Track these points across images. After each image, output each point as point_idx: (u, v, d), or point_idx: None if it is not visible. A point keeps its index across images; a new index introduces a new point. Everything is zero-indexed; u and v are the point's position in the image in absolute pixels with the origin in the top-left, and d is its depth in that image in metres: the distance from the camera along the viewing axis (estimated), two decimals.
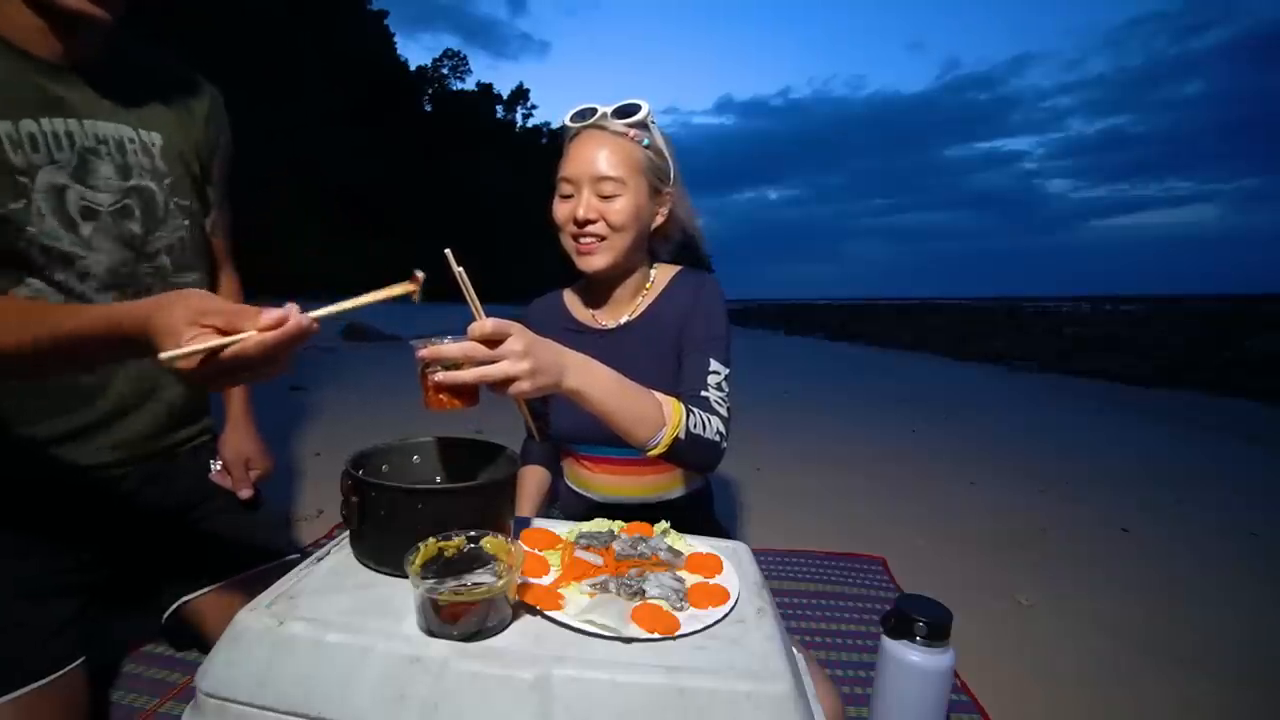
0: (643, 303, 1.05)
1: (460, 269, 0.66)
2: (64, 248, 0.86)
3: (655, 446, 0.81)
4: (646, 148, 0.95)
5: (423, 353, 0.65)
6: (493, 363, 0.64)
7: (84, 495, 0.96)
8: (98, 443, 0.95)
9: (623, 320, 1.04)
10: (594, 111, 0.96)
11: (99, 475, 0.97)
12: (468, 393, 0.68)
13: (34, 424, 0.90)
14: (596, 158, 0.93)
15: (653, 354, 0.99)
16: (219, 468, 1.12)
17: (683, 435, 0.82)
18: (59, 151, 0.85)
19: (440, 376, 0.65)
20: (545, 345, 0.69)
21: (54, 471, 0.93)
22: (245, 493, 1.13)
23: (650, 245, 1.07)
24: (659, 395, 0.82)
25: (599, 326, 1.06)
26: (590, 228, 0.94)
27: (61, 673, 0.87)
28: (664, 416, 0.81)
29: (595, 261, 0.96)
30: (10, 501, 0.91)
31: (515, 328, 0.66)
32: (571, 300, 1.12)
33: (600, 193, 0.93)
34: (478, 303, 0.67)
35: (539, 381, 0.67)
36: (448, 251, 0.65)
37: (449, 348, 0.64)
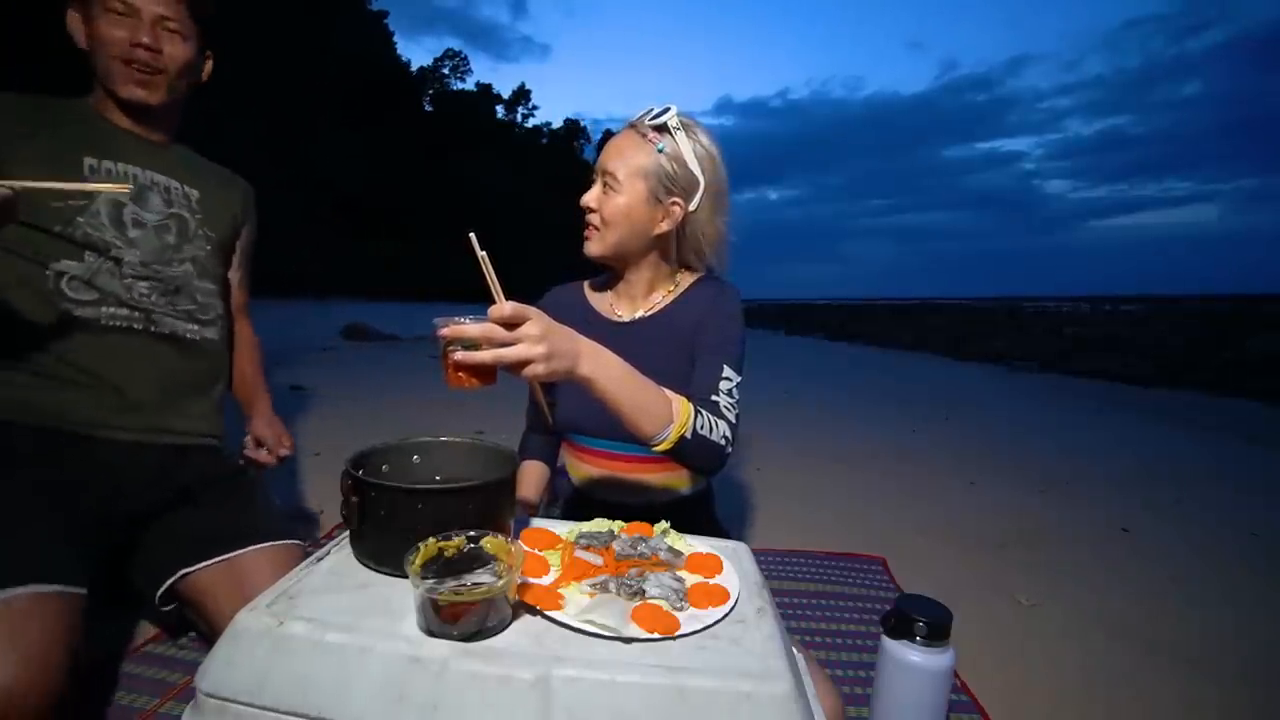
0: (661, 302, 1.06)
1: (483, 252, 0.68)
2: (105, 238, 1.10)
3: (661, 442, 0.81)
4: (660, 153, 0.95)
5: (444, 331, 0.68)
6: (510, 345, 0.66)
7: (102, 465, 1.06)
8: (118, 422, 1.10)
9: (638, 315, 1.06)
10: (650, 113, 0.99)
11: (120, 447, 1.10)
12: (485, 373, 0.70)
13: (63, 406, 1.06)
14: (611, 152, 0.98)
15: (664, 351, 1.00)
16: (251, 446, 1.31)
17: (689, 434, 0.82)
18: (124, 181, 1.13)
19: (460, 356, 0.67)
20: (561, 331, 0.70)
21: (80, 442, 1.07)
22: (284, 451, 1.32)
23: (680, 254, 1.05)
24: (669, 393, 0.83)
25: (614, 318, 1.07)
26: (590, 216, 1.00)
27: (63, 588, 0.84)
28: (672, 414, 0.81)
29: (588, 247, 1.02)
30: (42, 454, 1.02)
31: (533, 312, 0.67)
32: (590, 291, 1.14)
33: (605, 184, 0.98)
34: (498, 286, 0.69)
35: (553, 366, 0.68)
36: (471, 235, 0.68)
37: (469, 328, 0.66)
